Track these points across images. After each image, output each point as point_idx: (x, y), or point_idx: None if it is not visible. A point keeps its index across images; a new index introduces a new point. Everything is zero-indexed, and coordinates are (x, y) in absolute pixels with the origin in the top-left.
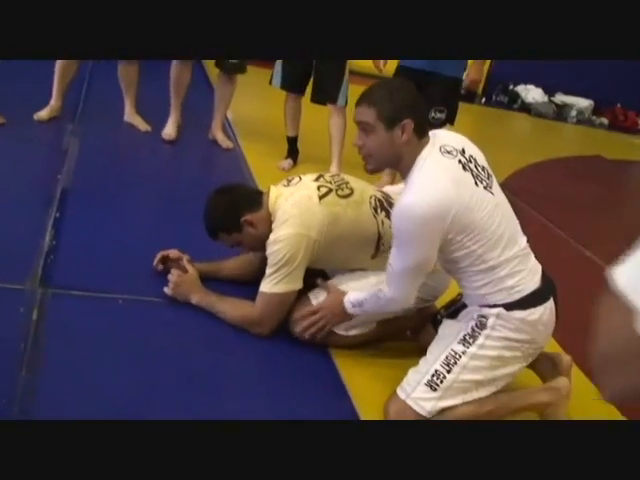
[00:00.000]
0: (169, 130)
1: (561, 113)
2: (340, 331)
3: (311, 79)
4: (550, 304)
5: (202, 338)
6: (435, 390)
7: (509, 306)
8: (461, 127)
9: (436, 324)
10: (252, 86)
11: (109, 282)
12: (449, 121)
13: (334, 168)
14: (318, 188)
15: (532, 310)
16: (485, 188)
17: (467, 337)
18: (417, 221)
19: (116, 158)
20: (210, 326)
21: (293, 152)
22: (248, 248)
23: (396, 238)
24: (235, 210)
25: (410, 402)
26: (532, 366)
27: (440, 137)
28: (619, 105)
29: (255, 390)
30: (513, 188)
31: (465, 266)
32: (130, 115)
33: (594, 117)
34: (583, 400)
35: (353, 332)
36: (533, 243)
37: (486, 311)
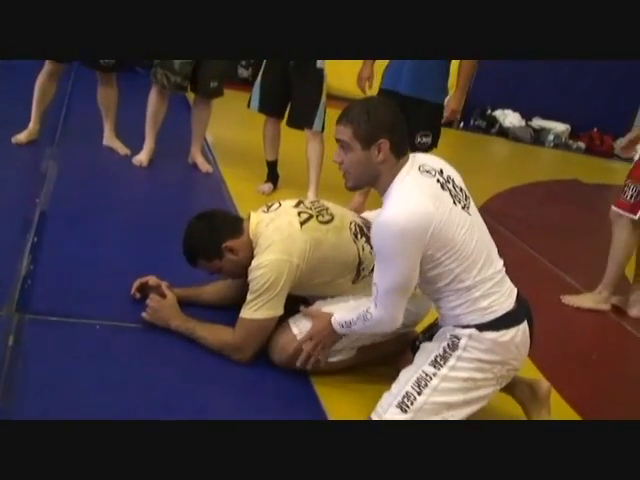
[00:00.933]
0: (141, 157)
1: (538, 137)
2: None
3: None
4: (524, 326)
5: (180, 364)
6: (406, 412)
7: (482, 327)
8: (440, 151)
9: (415, 350)
10: (231, 110)
11: (87, 307)
12: (434, 145)
13: (311, 194)
14: (299, 214)
15: (505, 331)
16: (463, 208)
17: (438, 359)
18: (397, 234)
19: (95, 182)
20: (189, 352)
21: (273, 176)
22: (228, 275)
23: (378, 255)
24: (216, 236)
25: None
26: (511, 392)
27: (419, 158)
28: (595, 130)
29: (235, 417)
30: (492, 212)
31: (442, 286)
32: (109, 139)
33: (571, 141)
34: None
35: (334, 359)
36: (512, 267)
37: (459, 331)
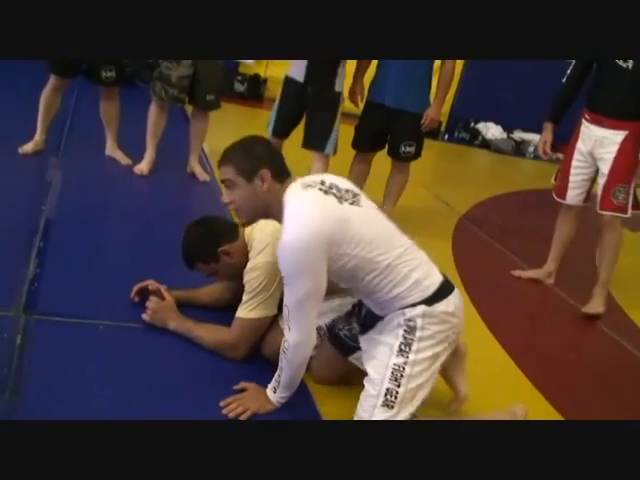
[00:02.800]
0: (142, 166)
1: (519, 149)
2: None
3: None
4: (457, 291)
5: (179, 362)
6: (392, 407)
7: (429, 301)
8: (425, 163)
9: (336, 340)
10: (228, 122)
11: (90, 309)
12: (418, 154)
13: None
14: None
15: (447, 299)
16: (351, 204)
17: (402, 347)
18: (298, 253)
19: (98, 190)
20: (187, 350)
21: None
22: (224, 277)
23: (286, 275)
24: (213, 240)
25: None
26: None
27: (300, 179)
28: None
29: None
30: (474, 219)
31: (365, 275)
32: (111, 149)
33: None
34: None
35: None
36: (491, 268)
37: (410, 313)
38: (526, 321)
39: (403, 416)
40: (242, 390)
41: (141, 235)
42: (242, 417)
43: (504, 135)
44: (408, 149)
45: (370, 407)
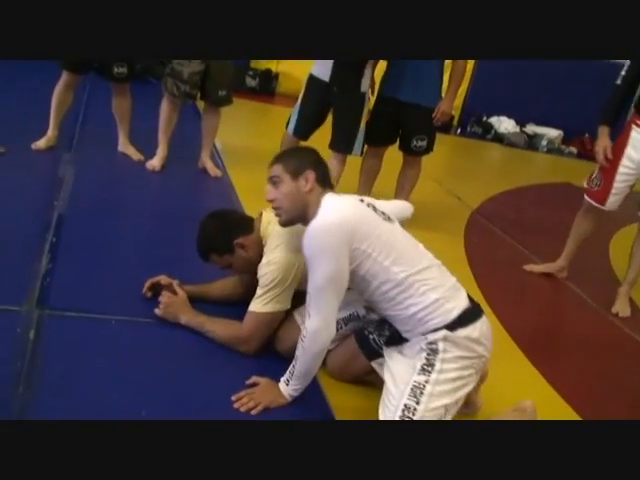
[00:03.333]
0: (155, 162)
1: (532, 143)
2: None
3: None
4: (485, 318)
5: (191, 356)
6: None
7: (451, 326)
8: (437, 157)
9: (362, 340)
10: (239, 117)
11: (103, 304)
12: (430, 149)
13: None
14: None
15: (472, 326)
16: (384, 220)
17: (425, 366)
18: (322, 235)
19: (110, 186)
20: (199, 345)
21: None
22: (238, 270)
23: (308, 262)
24: (228, 232)
25: None
26: None
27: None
28: (587, 135)
29: (241, 416)
30: (486, 213)
31: (380, 284)
32: (124, 145)
33: (563, 146)
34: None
35: (331, 346)
36: (504, 264)
37: (432, 337)
38: (540, 316)
39: None
40: (254, 385)
41: (153, 231)
42: (253, 412)
43: (517, 129)
44: (420, 143)
45: (386, 420)
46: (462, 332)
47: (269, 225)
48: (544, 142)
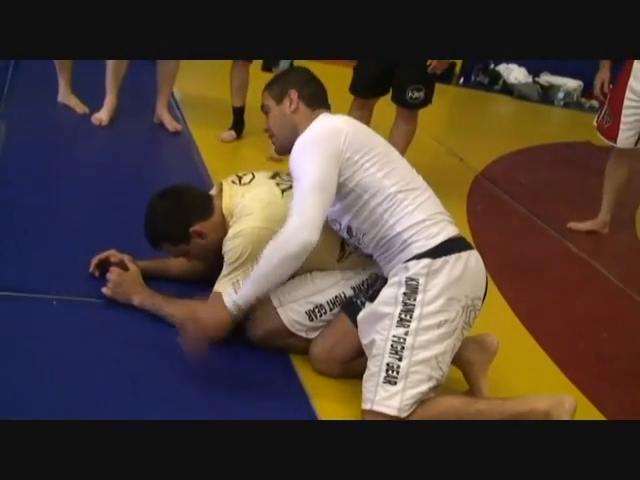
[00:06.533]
0: (101, 115)
1: (547, 95)
2: (301, 333)
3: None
4: (476, 253)
5: (145, 343)
6: (395, 384)
7: (433, 252)
8: (437, 110)
9: (354, 312)
10: (203, 63)
11: (42, 282)
12: (428, 101)
13: None
14: (277, 184)
15: (460, 254)
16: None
17: (403, 315)
18: (312, 140)
19: (50, 143)
20: (154, 330)
21: (238, 124)
22: (196, 258)
23: (294, 170)
24: (183, 219)
25: (377, 407)
26: (458, 353)
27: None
28: (611, 86)
29: (206, 397)
30: (493, 177)
31: (370, 198)
32: (65, 96)
33: (583, 100)
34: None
35: (313, 335)
36: (515, 237)
37: (413, 269)
38: (553, 296)
39: (411, 394)
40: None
41: (101, 197)
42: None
43: (529, 79)
44: (416, 94)
45: (373, 386)
46: (446, 262)
47: (232, 199)
48: (561, 94)
